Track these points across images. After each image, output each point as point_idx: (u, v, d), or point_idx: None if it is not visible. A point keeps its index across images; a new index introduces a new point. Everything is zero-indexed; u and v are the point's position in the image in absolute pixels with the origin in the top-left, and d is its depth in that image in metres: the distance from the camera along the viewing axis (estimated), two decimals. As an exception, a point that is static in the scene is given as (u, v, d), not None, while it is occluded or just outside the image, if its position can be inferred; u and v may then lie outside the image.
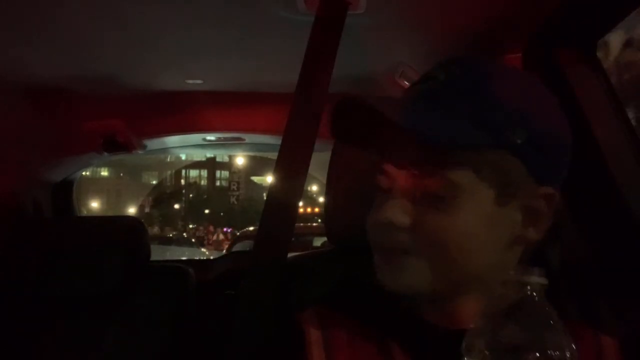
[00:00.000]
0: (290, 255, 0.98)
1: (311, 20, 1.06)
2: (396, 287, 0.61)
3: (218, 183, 38.33)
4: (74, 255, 1.36)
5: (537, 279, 0.49)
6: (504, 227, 0.60)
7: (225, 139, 2.03)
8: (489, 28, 1.10)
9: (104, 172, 31.74)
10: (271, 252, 0.96)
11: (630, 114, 0.93)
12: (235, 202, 33.57)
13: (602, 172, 0.92)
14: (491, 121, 0.57)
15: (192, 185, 37.25)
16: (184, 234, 24.47)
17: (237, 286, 0.96)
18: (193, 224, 29.32)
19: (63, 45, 1.35)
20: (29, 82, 1.57)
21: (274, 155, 1.21)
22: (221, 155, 28.90)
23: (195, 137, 2.03)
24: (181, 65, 1.56)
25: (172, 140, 2.03)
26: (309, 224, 10.20)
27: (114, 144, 1.85)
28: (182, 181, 37.25)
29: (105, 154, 1.89)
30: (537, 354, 0.44)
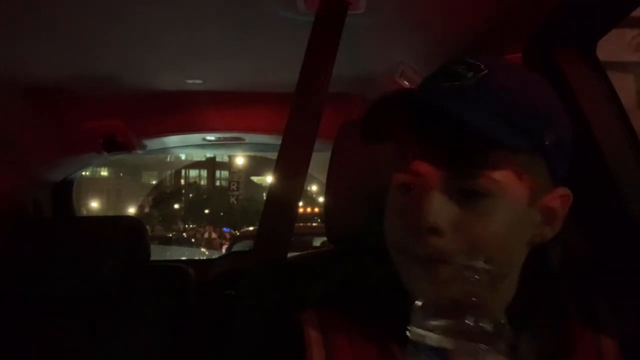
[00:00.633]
0: (290, 255, 0.98)
1: (311, 20, 1.06)
2: (440, 299, 0.56)
3: (218, 183, 38.30)
4: (74, 255, 1.36)
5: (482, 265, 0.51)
6: (528, 227, 0.60)
7: (225, 139, 2.03)
8: (489, 28, 1.10)
9: (104, 172, 31.72)
10: (271, 252, 0.96)
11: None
12: (235, 202, 33.54)
13: (602, 172, 0.92)
14: (523, 122, 0.56)
15: (192, 185, 37.21)
16: (184, 234, 24.47)
17: (237, 286, 0.96)
18: (193, 224, 29.32)
19: (63, 45, 1.35)
20: (29, 82, 1.57)
21: (274, 155, 1.21)
22: (221, 155, 28.87)
23: (195, 137, 2.03)
24: (181, 65, 1.56)
25: (172, 140, 2.03)
26: (309, 224, 10.20)
27: (114, 144, 1.85)
28: (182, 181, 37.22)
29: (105, 154, 1.89)
30: (473, 319, 0.46)
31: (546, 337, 0.62)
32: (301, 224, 7.26)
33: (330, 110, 1.06)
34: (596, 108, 0.96)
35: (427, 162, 0.57)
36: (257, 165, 29.44)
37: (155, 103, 1.80)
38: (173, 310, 1.36)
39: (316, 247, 4.53)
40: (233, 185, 34.83)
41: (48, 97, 1.65)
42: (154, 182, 34.41)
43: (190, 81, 1.70)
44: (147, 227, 1.59)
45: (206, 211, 32.24)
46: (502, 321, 0.48)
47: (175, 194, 34.19)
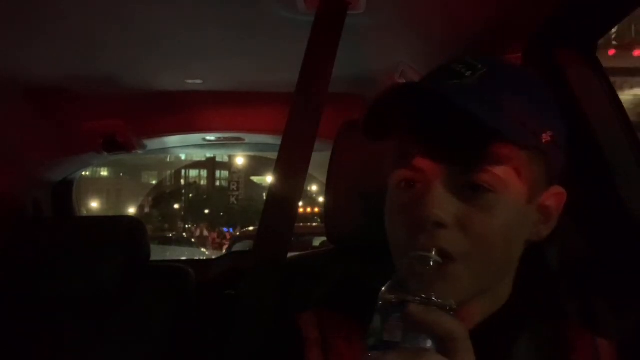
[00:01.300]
0: (290, 255, 0.98)
1: (311, 20, 1.06)
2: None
3: (218, 183, 38.32)
4: (74, 255, 1.36)
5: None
6: (526, 225, 0.60)
7: (225, 139, 2.03)
8: (489, 28, 1.10)
9: (104, 172, 31.74)
10: (271, 252, 0.96)
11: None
12: (235, 202, 33.56)
13: (602, 172, 0.92)
14: (524, 119, 0.56)
15: (192, 185, 37.24)
16: (184, 234, 24.51)
17: (237, 286, 0.96)
18: (193, 224, 29.35)
19: (63, 45, 1.35)
20: (29, 82, 1.57)
21: (273, 155, 1.21)
22: (221, 155, 28.91)
23: (195, 137, 2.03)
24: (181, 65, 1.56)
25: (172, 140, 2.03)
26: (309, 224, 10.21)
27: (114, 144, 1.85)
28: (182, 181, 37.24)
29: (105, 154, 1.89)
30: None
31: (544, 337, 0.62)
32: (301, 224, 7.27)
33: (330, 110, 1.06)
34: (596, 108, 0.96)
35: (430, 157, 0.56)
36: (257, 165, 29.46)
37: (155, 103, 1.80)
38: (173, 310, 1.36)
39: (316, 247, 4.53)
40: (233, 185, 34.85)
41: (48, 97, 1.65)
42: (154, 182, 34.43)
43: (190, 81, 1.70)
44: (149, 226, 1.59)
45: (206, 211, 32.26)
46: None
47: (175, 194, 34.20)
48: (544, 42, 1.00)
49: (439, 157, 0.56)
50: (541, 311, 0.65)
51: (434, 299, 0.48)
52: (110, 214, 18.96)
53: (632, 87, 9.60)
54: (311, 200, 25.35)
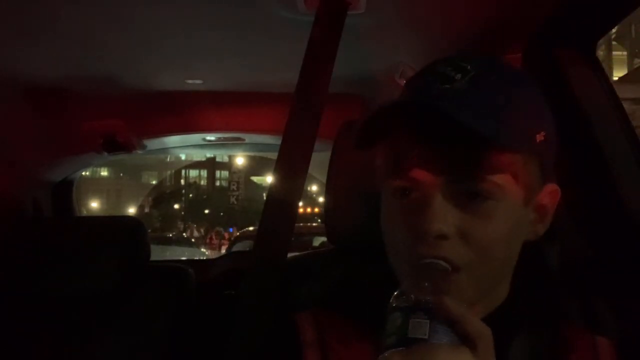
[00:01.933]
0: (290, 255, 0.98)
1: (311, 20, 1.06)
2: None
3: (218, 183, 38.32)
4: (74, 255, 1.36)
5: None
6: (524, 227, 0.61)
7: (225, 139, 2.03)
8: (489, 28, 1.10)
9: (104, 172, 31.74)
10: (271, 252, 0.96)
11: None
12: (235, 202, 33.56)
13: (602, 172, 0.92)
14: (517, 122, 0.56)
15: (192, 185, 37.24)
16: (184, 233, 24.55)
17: (237, 286, 0.96)
18: (193, 224, 29.39)
19: (63, 45, 1.35)
20: (29, 82, 1.57)
21: (274, 155, 1.21)
22: (221, 155, 28.90)
23: (195, 137, 2.03)
24: (181, 65, 1.56)
25: (172, 140, 2.03)
26: (309, 224, 10.21)
27: (114, 144, 1.85)
28: (182, 181, 37.25)
29: (105, 154, 1.89)
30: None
31: (542, 337, 0.62)
32: (301, 224, 7.27)
33: (330, 110, 1.06)
34: (596, 108, 0.96)
35: (426, 167, 0.56)
36: (257, 165, 29.45)
37: (155, 103, 1.80)
38: (173, 310, 1.36)
39: (316, 247, 4.54)
40: (233, 185, 34.84)
41: (48, 97, 1.65)
42: (154, 182, 34.44)
43: (190, 81, 1.70)
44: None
45: (206, 211, 32.25)
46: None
47: (175, 194, 34.21)
48: (544, 42, 1.00)
49: (436, 167, 0.56)
50: (539, 310, 0.65)
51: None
52: (110, 214, 18.97)
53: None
54: (311, 200, 25.35)
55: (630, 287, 0.78)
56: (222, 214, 31.59)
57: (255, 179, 33.63)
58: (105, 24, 1.23)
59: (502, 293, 0.63)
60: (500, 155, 0.55)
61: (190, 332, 1.36)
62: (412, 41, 1.33)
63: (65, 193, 2.07)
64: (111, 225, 1.48)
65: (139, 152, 1.98)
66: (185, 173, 37.02)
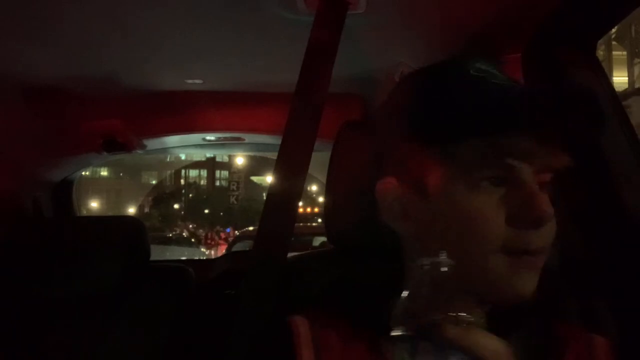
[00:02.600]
0: (290, 255, 0.98)
1: (311, 20, 1.06)
2: (525, 294, 0.58)
3: (218, 183, 38.32)
4: (74, 255, 1.36)
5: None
6: None
7: (225, 139, 2.03)
8: (489, 28, 1.10)
9: (104, 172, 31.73)
10: (271, 252, 0.96)
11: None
12: (235, 202, 33.55)
13: (602, 172, 0.92)
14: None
15: (192, 185, 37.26)
16: (184, 234, 24.59)
17: (237, 286, 0.96)
18: (192, 224, 29.43)
19: (63, 45, 1.35)
20: (29, 82, 1.57)
21: (274, 155, 1.21)
22: (221, 155, 28.91)
23: (195, 137, 2.03)
24: (181, 65, 1.56)
25: (172, 140, 2.03)
26: (309, 224, 10.21)
27: (113, 144, 1.85)
28: (182, 181, 37.26)
29: (105, 154, 1.89)
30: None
31: (538, 337, 0.62)
32: (301, 224, 7.27)
33: (330, 110, 1.06)
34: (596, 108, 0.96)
35: (519, 156, 0.57)
36: (257, 165, 29.46)
37: (155, 103, 1.80)
38: (173, 310, 1.36)
39: (316, 247, 4.53)
40: (233, 185, 34.84)
41: (48, 97, 1.65)
42: (153, 182, 34.44)
43: (190, 81, 1.70)
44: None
45: (206, 211, 32.26)
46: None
47: (175, 194, 34.21)
48: (544, 42, 1.00)
49: (525, 156, 0.57)
50: (537, 310, 0.65)
51: (462, 314, 0.47)
52: (110, 214, 18.97)
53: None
54: (311, 200, 25.35)
55: (630, 287, 0.78)
56: (222, 213, 31.59)
57: (255, 179, 33.62)
58: (105, 24, 1.23)
59: None
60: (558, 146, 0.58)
61: (190, 332, 1.36)
62: (412, 41, 1.32)
63: (65, 193, 2.07)
64: (111, 225, 1.48)
65: (139, 152, 1.98)
66: (185, 173, 37.04)
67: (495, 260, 0.57)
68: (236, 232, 15.37)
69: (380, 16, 1.16)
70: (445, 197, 0.60)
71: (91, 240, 1.39)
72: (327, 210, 0.91)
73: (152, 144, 1.99)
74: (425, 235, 0.61)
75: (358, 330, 0.65)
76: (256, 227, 1.18)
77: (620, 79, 14.68)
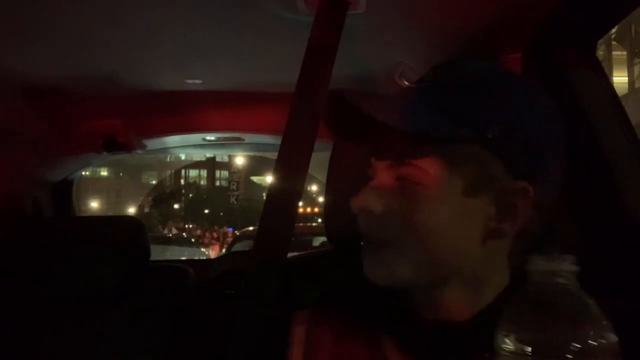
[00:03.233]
0: (290, 255, 0.98)
1: (311, 20, 1.06)
2: (374, 278, 0.63)
3: (218, 183, 38.31)
4: (74, 255, 1.36)
5: (568, 266, 0.47)
6: (474, 219, 0.60)
7: (225, 138, 2.03)
8: (489, 28, 1.09)
9: (104, 172, 31.72)
10: (271, 252, 0.96)
11: None
12: (235, 202, 33.54)
13: (602, 172, 0.92)
14: (467, 117, 0.58)
15: (192, 185, 37.24)
16: (184, 234, 24.61)
17: (237, 286, 0.96)
18: (193, 224, 29.45)
19: (63, 45, 1.35)
20: (28, 82, 1.57)
21: (274, 155, 1.21)
22: (221, 155, 28.91)
23: (195, 137, 2.03)
24: (181, 65, 1.56)
25: (172, 140, 2.03)
26: (309, 224, 10.21)
27: (113, 144, 1.85)
28: (182, 181, 37.25)
29: (105, 154, 1.89)
30: (578, 345, 0.41)
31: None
32: (301, 224, 7.28)
33: (331, 110, 1.06)
34: (596, 108, 0.96)
35: (376, 156, 0.64)
36: (257, 165, 29.44)
37: (155, 103, 1.80)
38: (173, 310, 1.36)
39: (316, 247, 4.54)
40: (233, 185, 34.82)
41: (48, 97, 1.65)
42: (153, 182, 34.43)
43: (190, 81, 1.70)
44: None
45: (206, 211, 32.25)
46: None
47: (175, 194, 34.20)
48: (544, 42, 1.00)
49: (379, 157, 0.64)
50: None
51: None
52: (110, 214, 18.97)
53: None
54: (311, 200, 25.35)
55: (630, 287, 0.78)
56: (222, 213, 31.58)
57: (255, 179, 33.60)
58: (105, 24, 1.23)
59: (498, 286, 0.63)
60: (427, 145, 0.59)
61: (190, 332, 1.36)
62: (412, 41, 1.32)
63: (65, 193, 2.07)
64: (111, 225, 1.48)
65: (139, 152, 1.98)
66: (185, 173, 37.02)
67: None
68: (236, 232, 15.36)
69: (380, 16, 1.16)
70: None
71: (91, 240, 1.39)
72: (327, 210, 0.92)
73: (152, 144, 1.99)
74: None
75: (359, 329, 0.65)
76: (256, 227, 1.18)
77: (620, 79, 14.69)
